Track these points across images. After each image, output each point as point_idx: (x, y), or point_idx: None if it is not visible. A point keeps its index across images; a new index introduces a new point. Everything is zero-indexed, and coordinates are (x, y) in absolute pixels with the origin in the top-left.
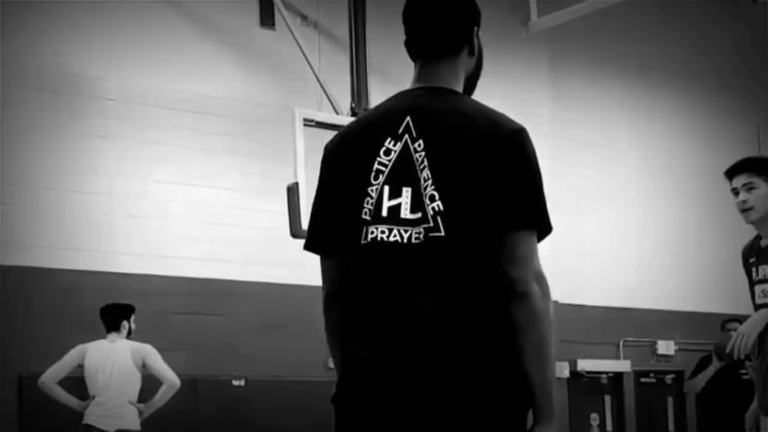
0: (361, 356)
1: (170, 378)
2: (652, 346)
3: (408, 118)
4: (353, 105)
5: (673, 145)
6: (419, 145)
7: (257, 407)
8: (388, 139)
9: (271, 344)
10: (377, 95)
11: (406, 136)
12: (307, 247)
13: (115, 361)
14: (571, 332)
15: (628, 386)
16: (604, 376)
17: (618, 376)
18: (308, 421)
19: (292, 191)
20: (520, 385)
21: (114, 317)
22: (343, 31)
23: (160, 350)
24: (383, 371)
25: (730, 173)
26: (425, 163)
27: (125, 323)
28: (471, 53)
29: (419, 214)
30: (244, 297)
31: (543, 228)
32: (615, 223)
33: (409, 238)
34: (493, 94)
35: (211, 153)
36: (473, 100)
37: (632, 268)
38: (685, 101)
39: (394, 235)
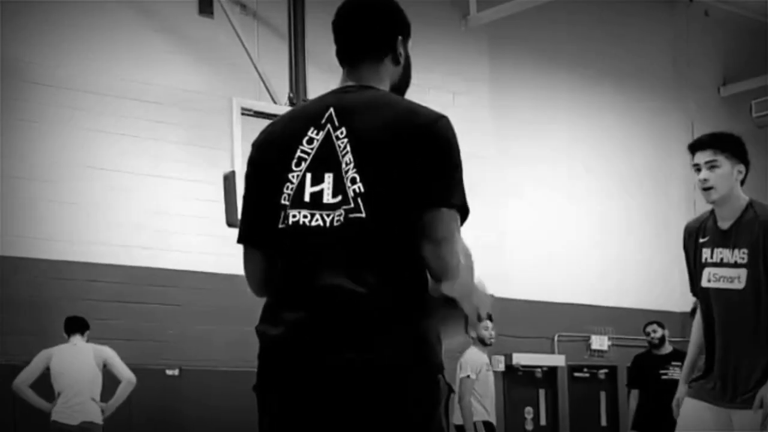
0: (270, 335)
1: (127, 376)
2: (586, 341)
3: (331, 110)
4: (291, 95)
5: (609, 140)
6: (341, 133)
7: (191, 397)
8: (311, 129)
9: (205, 333)
10: (315, 85)
11: (329, 125)
12: (239, 240)
13: (78, 362)
14: (507, 326)
15: (562, 380)
16: (539, 370)
17: (552, 371)
18: (242, 410)
19: (229, 180)
20: (431, 358)
21: (82, 322)
22: (282, 20)
23: (92, 339)
24: (291, 348)
25: (693, 148)
26: (347, 148)
27: (87, 333)
28: (395, 62)
29: (340, 197)
30: (178, 286)
31: (462, 209)
32: (551, 217)
33: (332, 221)
34: (433, 86)
35: (151, 141)
36: (394, 94)
37: (567, 262)
38: (621, 96)
39: (316, 220)
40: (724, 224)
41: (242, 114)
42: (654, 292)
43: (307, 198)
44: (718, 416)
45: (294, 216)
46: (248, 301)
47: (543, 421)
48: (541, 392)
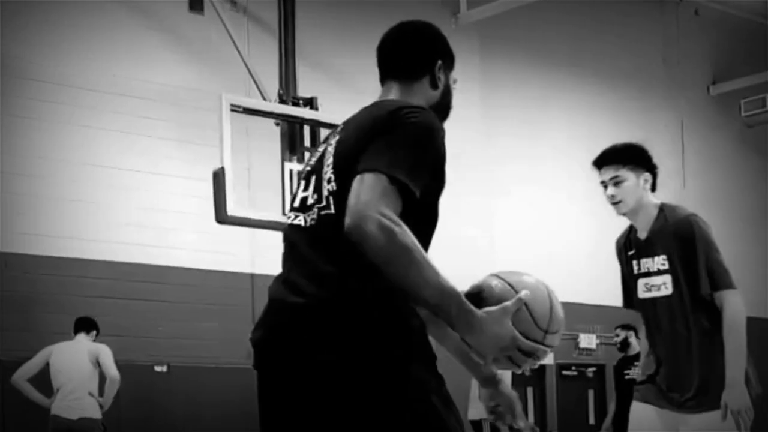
0: (254, 337)
1: (111, 374)
2: (575, 339)
3: (342, 125)
4: (281, 92)
5: (600, 138)
6: (334, 141)
7: (179, 393)
8: (323, 145)
9: (194, 330)
10: (305, 82)
11: (333, 136)
12: None
13: (75, 359)
14: None
15: (550, 379)
16: None
17: (540, 369)
18: (230, 407)
19: (218, 176)
20: (392, 353)
21: (89, 322)
22: (272, 17)
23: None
24: (260, 352)
25: (597, 165)
26: (331, 152)
27: (94, 332)
28: (434, 86)
29: (316, 196)
30: (167, 283)
31: (393, 178)
32: (541, 215)
33: (307, 221)
34: None
35: (141, 138)
36: (398, 99)
37: (556, 261)
38: (611, 94)
39: (299, 220)
40: (642, 234)
41: (232, 110)
42: None
43: (297, 203)
44: (665, 419)
45: (288, 218)
46: (238, 299)
47: (531, 419)
48: (530, 390)
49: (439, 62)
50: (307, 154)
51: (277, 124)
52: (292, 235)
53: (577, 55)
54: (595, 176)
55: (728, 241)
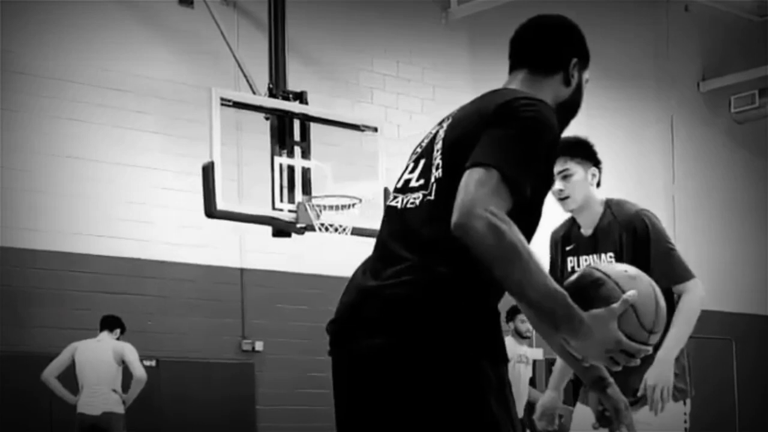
0: (330, 321)
1: (137, 374)
2: None
3: (457, 109)
4: (271, 86)
5: (590, 134)
6: (446, 125)
7: (168, 387)
8: (435, 127)
9: (183, 325)
10: (295, 76)
11: (447, 120)
12: None
13: (99, 356)
14: None
15: (540, 373)
16: None
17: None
18: (219, 401)
19: (207, 170)
20: (466, 344)
21: (113, 321)
22: (262, 11)
23: (69, 329)
24: (334, 332)
25: None
26: (441, 136)
27: (117, 330)
28: (566, 83)
29: (423, 181)
30: (156, 277)
31: (505, 175)
32: None
33: (405, 203)
34: (413, 79)
35: (130, 131)
36: (515, 88)
37: (546, 257)
38: (601, 90)
39: (396, 202)
40: (587, 230)
41: (222, 105)
42: None
43: (400, 184)
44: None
45: (390, 198)
46: (227, 294)
47: (520, 413)
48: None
49: (575, 60)
50: (297, 149)
51: (267, 119)
52: (386, 216)
53: None
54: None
55: (718, 236)
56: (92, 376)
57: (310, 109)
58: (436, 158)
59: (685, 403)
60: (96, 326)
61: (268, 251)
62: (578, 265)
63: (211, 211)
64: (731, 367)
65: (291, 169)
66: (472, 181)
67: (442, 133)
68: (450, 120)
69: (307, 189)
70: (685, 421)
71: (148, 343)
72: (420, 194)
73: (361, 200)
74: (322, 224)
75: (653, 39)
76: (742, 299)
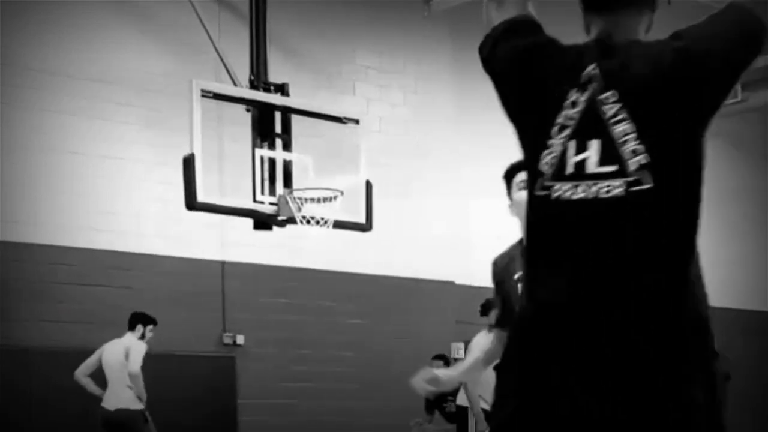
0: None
1: (130, 369)
2: None
3: (595, 69)
4: (252, 77)
5: None
6: (610, 97)
7: (148, 380)
8: (574, 90)
9: (164, 317)
10: (277, 68)
11: (593, 85)
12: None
13: (114, 356)
14: (468, 314)
15: None
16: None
17: None
18: (201, 395)
19: (188, 162)
20: (706, 344)
21: (134, 320)
22: (243, 2)
23: (49, 321)
24: (586, 336)
25: (518, 169)
26: (622, 115)
27: (140, 327)
28: (650, 20)
29: (617, 166)
30: (136, 269)
31: None
32: None
33: (597, 192)
34: (395, 71)
35: (111, 123)
36: (656, 41)
37: None
38: None
39: (579, 192)
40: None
41: (202, 96)
42: None
43: (570, 169)
44: None
45: (558, 189)
46: (208, 286)
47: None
48: None
49: None
50: (279, 141)
51: (248, 110)
52: (574, 212)
53: None
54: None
55: (716, 234)
56: (110, 375)
57: (291, 101)
58: (621, 138)
59: None
60: (73, 319)
61: (249, 244)
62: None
63: (191, 203)
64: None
65: (272, 161)
66: None
67: (613, 110)
68: (612, 92)
69: (288, 181)
70: None
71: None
72: (623, 182)
73: (342, 193)
74: (304, 217)
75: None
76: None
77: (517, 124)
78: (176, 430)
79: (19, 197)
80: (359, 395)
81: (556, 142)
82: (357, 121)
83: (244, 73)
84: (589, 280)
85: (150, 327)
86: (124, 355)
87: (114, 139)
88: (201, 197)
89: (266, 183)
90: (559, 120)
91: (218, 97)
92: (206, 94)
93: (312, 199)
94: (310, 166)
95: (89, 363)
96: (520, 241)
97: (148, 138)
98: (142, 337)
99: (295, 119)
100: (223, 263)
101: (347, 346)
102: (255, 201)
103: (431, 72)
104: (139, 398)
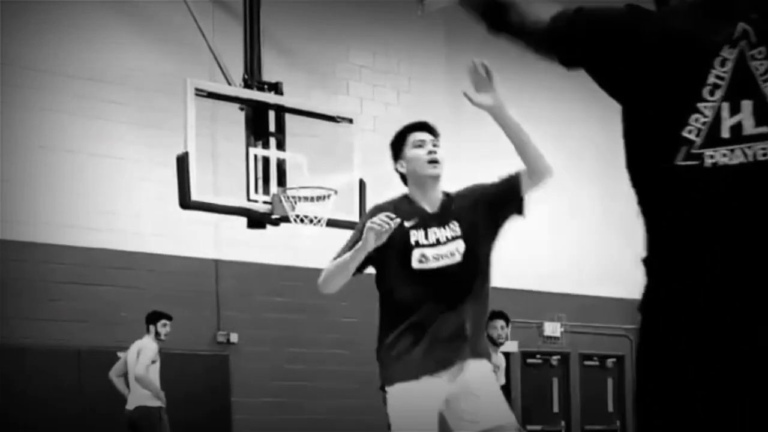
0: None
1: (134, 371)
2: (540, 327)
3: (741, 24)
4: (246, 76)
5: (568, 127)
6: (761, 52)
7: None
8: (725, 47)
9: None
10: (271, 67)
11: (743, 42)
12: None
13: (131, 357)
14: None
15: (515, 367)
16: None
17: (505, 357)
18: (195, 393)
19: (182, 161)
20: None
21: (146, 321)
22: (237, 1)
23: (47, 320)
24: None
25: (421, 127)
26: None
27: (151, 327)
28: None
29: (765, 128)
30: (131, 268)
31: None
32: None
33: (755, 155)
34: (388, 70)
35: (105, 122)
36: None
37: (521, 250)
38: (585, 81)
39: (737, 156)
40: (434, 206)
41: (196, 95)
42: (606, 280)
43: (726, 134)
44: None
45: (712, 156)
46: (202, 285)
47: None
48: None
49: None
50: (272, 140)
51: (242, 109)
52: (733, 178)
53: None
54: (559, 165)
55: None
56: (129, 376)
57: (285, 100)
58: None
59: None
60: (71, 318)
61: (243, 243)
62: (426, 238)
63: (185, 202)
64: None
65: (266, 160)
66: None
67: (764, 67)
68: (752, 40)
69: (282, 180)
70: None
71: (123, 333)
72: None
73: (336, 191)
74: (297, 215)
75: None
76: None
77: (643, 97)
78: (171, 428)
79: (18, 196)
80: (353, 394)
81: (707, 105)
82: (351, 120)
83: (238, 72)
84: (753, 246)
85: (162, 322)
86: (135, 356)
87: (107, 137)
88: (195, 196)
89: (260, 182)
90: (711, 80)
91: (212, 96)
92: (200, 93)
93: (306, 198)
94: (304, 164)
95: (121, 363)
96: (405, 196)
97: (141, 137)
98: (157, 335)
99: (289, 118)
100: (216, 262)
101: (341, 345)
102: (249, 200)
103: (425, 72)
104: (158, 396)
